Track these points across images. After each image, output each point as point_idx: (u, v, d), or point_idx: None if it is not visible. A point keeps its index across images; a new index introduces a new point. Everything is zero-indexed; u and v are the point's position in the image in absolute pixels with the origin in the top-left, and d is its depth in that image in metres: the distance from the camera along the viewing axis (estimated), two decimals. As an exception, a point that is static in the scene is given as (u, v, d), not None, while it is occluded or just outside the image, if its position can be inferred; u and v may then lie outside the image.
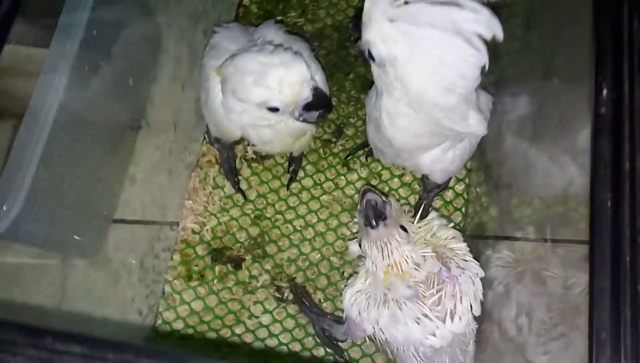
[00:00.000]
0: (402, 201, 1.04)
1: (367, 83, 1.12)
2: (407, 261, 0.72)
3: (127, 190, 1.00)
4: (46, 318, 0.82)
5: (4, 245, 0.83)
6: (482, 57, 0.57)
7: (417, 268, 0.73)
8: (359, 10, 0.65)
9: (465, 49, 0.56)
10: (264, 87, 0.74)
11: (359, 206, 0.79)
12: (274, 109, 0.77)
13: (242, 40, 0.88)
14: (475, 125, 0.69)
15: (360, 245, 0.78)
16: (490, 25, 0.54)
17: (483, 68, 0.59)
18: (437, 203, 1.03)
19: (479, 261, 0.94)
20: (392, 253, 0.72)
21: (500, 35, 0.54)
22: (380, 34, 0.61)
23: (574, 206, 0.72)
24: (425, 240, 0.78)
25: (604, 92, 0.40)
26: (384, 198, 0.78)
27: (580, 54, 0.55)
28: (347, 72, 1.14)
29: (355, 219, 0.86)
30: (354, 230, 1.01)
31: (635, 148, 0.38)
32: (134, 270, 0.94)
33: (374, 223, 0.73)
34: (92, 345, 0.37)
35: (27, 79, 0.94)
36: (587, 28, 0.51)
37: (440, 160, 0.80)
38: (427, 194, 1.01)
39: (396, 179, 1.06)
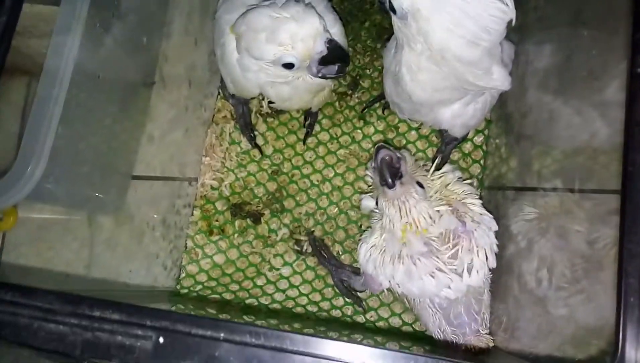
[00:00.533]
0: (420, 153, 1.04)
1: (384, 32, 1.09)
2: (424, 218, 0.72)
3: (144, 147, 1.01)
4: (75, 275, 0.85)
5: (29, 203, 0.85)
6: (510, 12, 0.55)
7: (433, 224, 0.73)
8: (378, -42, 0.62)
9: (492, 2, 0.54)
10: (277, 43, 0.72)
11: (372, 163, 0.78)
12: (289, 65, 0.75)
13: None
14: (499, 80, 0.67)
15: (376, 202, 0.78)
16: None
17: (509, 22, 0.56)
18: (455, 155, 1.02)
19: (498, 214, 0.94)
20: (409, 211, 0.72)
21: None
22: None
23: (598, 157, 0.71)
24: (440, 194, 0.78)
25: (642, 50, 0.39)
26: (398, 154, 0.77)
27: (613, 8, 0.52)
28: (362, 20, 1.11)
29: (369, 172, 0.85)
30: (370, 183, 1.01)
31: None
32: (157, 226, 0.95)
33: (391, 182, 0.73)
34: (130, 311, 0.38)
35: (36, 37, 0.92)
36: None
37: (461, 115, 0.78)
38: (445, 146, 1.00)
39: (413, 132, 1.05)
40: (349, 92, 1.07)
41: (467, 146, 1.03)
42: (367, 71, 1.08)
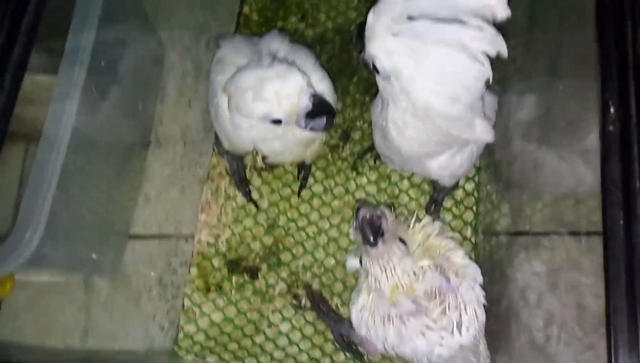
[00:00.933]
0: (413, 202, 1.05)
1: (371, 86, 1.12)
2: (409, 276, 0.73)
3: (141, 207, 1.02)
4: (72, 345, 0.84)
5: (26, 268, 0.85)
6: (486, 72, 0.58)
7: (418, 281, 0.73)
8: (362, 23, 0.65)
9: (469, 64, 0.57)
10: (263, 101, 0.75)
11: (354, 222, 0.79)
12: (277, 121, 0.78)
13: (247, 52, 0.89)
14: (483, 132, 0.70)
15: (360, 261, 0.78)
16: (494, 43, 0.55)
17: (487, 81, 0.59)
18: (448, 202, 1.04)
19: (493, 260, 0.95)
20: (394, 269, 0.72)
21: (504, 52, 0.54)
22: (384, 49, 0.62)
23: (587, 201, 0.72)
24: (422, 248, 0.78)
25: (611, 110, 0.41)
26: (379, 212, 0.77)
27: (586, 59, 0.55)
28: (350, 75, 1.15)
29: (351, 231, 0.86)
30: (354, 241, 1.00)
31: (645, 167, 0.39)
32: (154, 286, 0.95)
33: (373, 240, 0.73)
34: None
35: (35, 104, 0.95)
36: (591, 33, 0.51)
37: (448, 165, 0.80)
38: (438, 194, 1.02)
39: (405, 181, 1.07)
40: (341, 144, 1.10)
41: (459, 194, 1.04)
42: (357, 123, 1.11)
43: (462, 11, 0.55)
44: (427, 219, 0.84)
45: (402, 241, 0.76)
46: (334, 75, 1.13)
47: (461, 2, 0.53)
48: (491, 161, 1.00)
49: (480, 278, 0.77)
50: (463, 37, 0.55)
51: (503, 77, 1.01)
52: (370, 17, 0.62)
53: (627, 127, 0.40)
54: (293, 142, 0.84)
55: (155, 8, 1.07)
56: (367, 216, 0.75)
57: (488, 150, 1.02)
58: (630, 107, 0.40)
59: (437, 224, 0.83)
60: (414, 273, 0.73)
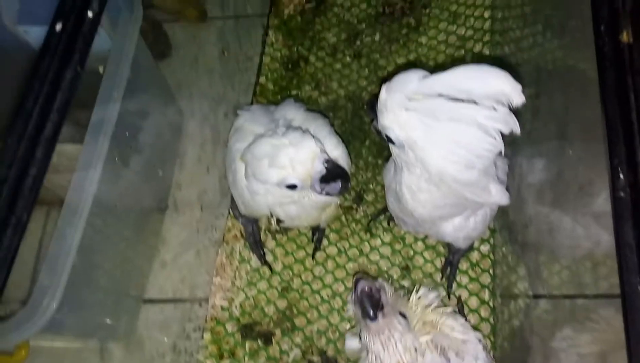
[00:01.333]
0: (428, 264, 1.05)
1: (383, 149, 1.15)
2: (410, 353, 0.71)
3: (156, 270, 1.03)
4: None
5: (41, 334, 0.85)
6: (498, 145, 0.59)
7: (420, 359, 0.71)
8: (374, 95, 0.68)
9: (481, 137, 0.59)
10: (278, 167, 0.77)
11: (352, 295, 0.78)
12: (292, 186, 0.80)
13: (264, 120, 0.92)
14: (497, 195, 0.70)
15: (360, 338, 0.77)
16: (508, 122, 0.56)
17: (499, 152, 0.61)
18: (464, 264, 1.03)
19: (512, 324, 0.92)
20: (396, 345, 0.70)
21: (517, 131, 0.56)
22: (397, 121, 0.64)
23: (606, 262, 0.72)
24: (422, 322, 0.77)
25: (621, 176, 0.42)
26: (377, 285, 0.76)
27: (593, 124, 0.56)
28: (362, 139, 1.18)
29: (349, 306, 0.84)
30: (352, 317, 0.97)
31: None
32: (167, 353, 0.94)
33: (373, 314, 0.72)
34: None
35: (58, 172, 0.98)
36: (595, 100, 0.53)
37: (463, 228, 0.80)
38: (453, 256, 1.02)
39: (420, 243, 1.07)
40: (354, 206, 1.11)
41: (475, 256, 1.04)
42: (370, 185, 1.12)
43: (477, 96, 0.57)
44: (423, 290, 0.83)
45: (403, 315, 0.75)
46: (347, 139, 1.17)
47: (476, 88, 0.55)
48: (506, 223, 1.00)
49: (482, 354, 0.75)
50: (477, 117, 0.56)
51: (513, 140, 1.04)
52: (384, 94, 0.65)
53: (637, 192, 0.41)
54: (309, 206, 0.86)
55: (176, 80, 1.13)
56: (366, 288, 0.74)
57: (502, 212, 1.02)
58: (638, 172, 0.41)
59: (434, 295, 0.82)
60: (415, 350, 0.70)
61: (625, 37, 0.46)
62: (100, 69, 0.90)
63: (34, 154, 0.48)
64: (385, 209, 1.08)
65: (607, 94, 0.45)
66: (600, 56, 0.47)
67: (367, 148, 1.17)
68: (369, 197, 1.12)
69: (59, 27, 0.53)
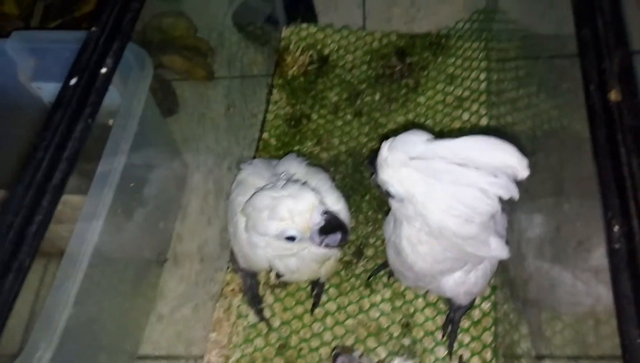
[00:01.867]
0: (429, 321, 1.03)
1: (383, 204, 1.16)
2: None
3: (152, 324, 1.01)
4: None
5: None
6: (495, 206, 0.61)
7: None
8: (374, 151, 0.70)
9: (480, 197, 0.60)
10: (278, 219, 0.78)
11: None
12: (292, 238, 0.80)
13: (266, 174, 0.94)
14: (497, 249, 0.71)
15: None
16: (508, 189, 0.58)
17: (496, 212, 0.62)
18: (465, 322, 1.01)
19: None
20: None
21: (516, 197, 0.58)
22: (397, 177, 0.65)
23: (609, 321, 0.71)
24: None
25: (615, 228, 0.42)
26: (358, 360, 0.76)
27: (587, 180, 0.57)
28: (363, 193, 1.19)
29: None
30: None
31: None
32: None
33: None
34: None
35: (60, 222, 0.99)
36: (588, 157, 0.54)
37: (463, 282, 0.80)
38: (454, 313, 1.00)
39: (420, 299, 1.05)
40: (354, 261, 1.10)
41: (476, 313, 1.02)
42: (370, 240, 1.13)
43: (481, 166, 0.59)
44: (398, 359, 0.81)
45: None
46: (347, 193, 1.18)
47: (482, 159, 0.57)
48: (507, 280, 1.00)
49: None
50: (479, 182, 0.58)
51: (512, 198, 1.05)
52: (385, 151, 0.66)
53: (632, 243, 0.41)
54: (308, 259, 0.86)
55: (182, 135, 1.16)
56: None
57: (503, 268, 1.02)
58: (632, 224, 0.42)
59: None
60: None
61: (613, 96, 0.48)
62: (110, 122, 0.94)
63: (40, 201, 0.49)
64: (385, 264, 1.07)
65: (599, 150, 0.47)
66: (591, 114, 0.49)
67: (368, 202, 1.18)
68: (369, 252, 1.11)
69: (73, 81, 0.56)
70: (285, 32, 1.46)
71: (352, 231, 1.14)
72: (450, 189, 0.61)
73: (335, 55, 1.41)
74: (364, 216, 1.16)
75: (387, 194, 0.68)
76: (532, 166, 0.92)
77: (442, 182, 0.60)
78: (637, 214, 0.42)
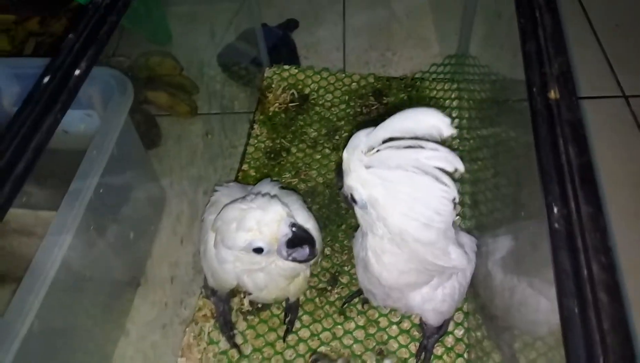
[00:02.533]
0: (403, 348, 1.01)
1: (359, 233, 1.17)
2: None
3: (120, 349, 0.99)
4: None
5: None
6: (451, 191, 0.63)
7: None
8: (340, 161, 0.73)
9: (434, 185, 0.62)
10: (245, 230, 0.79)
11: None
12: (259, 250, 0.80)
13: (240, 196, 0.95)
14: (457, 259, 0.72)
15: None
16: (449, 160, 0.60)
17: (454, 200, 0.64)
18: (438, 349, 1.00)
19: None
20: None
21: (461, 168, 0.60)
22: (360, 180, 0.67)
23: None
24: None
25: (555, 210, 0.44)
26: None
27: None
28: (339, 223, 1.21)
29: None
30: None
31: (589, 256, 0.41)
32: None
33: None
34: None
35: (34, 241, 0.99)
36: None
37: (431, 299, 0.80)
38: (427, 340, 0.99)
39: (394, 327, 1.04)
40: (329, 288, 1.10)
41: (449, 340, 1.01)
42: (345, 267, 1.13)
43: (413, 133, 0.61)
44: None
45: None
46: (324, 223, 1.19)
47: (412, 126, 0.60)
48: (478, 305, 1.00)
49: None
50: (420, 157, 0.61)
51: (479, 224, 1.07)
52: (345, 154, 0.70)
53: (570, 224, 0.43)
54: (276, 274, 0.86)
55: (162, 165, 1.18)
56: None
57: (474, 294, 1.02)
58: (570, 207, 0.44)
59: None
60: None
61: (553, 95, 0.51)
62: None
63: (2, 188, 0.50)
64: (360, 292, 1.07)
65: (540, 142, 0.49)
66: (533, 111, 0.52)
67: (344, 231, 1.19)
68: (344, 279, 1.11)
69: (46, 80, 0.59)
70: (268, 72, 1.53)
71: (327, 259, 1.14)
72: (406, 186, 0.63)
73: (316, 94, 1.47)
74: (339, 245, 1.17)
75: (353, 201, 0.70)
76: (494, 188, 0.95)
77: (392, 169, 0.62)
78: (574, 198, 0.44)
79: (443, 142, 0.62)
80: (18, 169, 0.52)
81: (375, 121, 0.66)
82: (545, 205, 0.45)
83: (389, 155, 0.63)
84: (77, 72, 0.61)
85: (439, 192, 0.62)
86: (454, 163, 0.59)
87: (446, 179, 0.62)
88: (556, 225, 0.43)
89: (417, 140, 0.61)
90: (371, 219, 0.70)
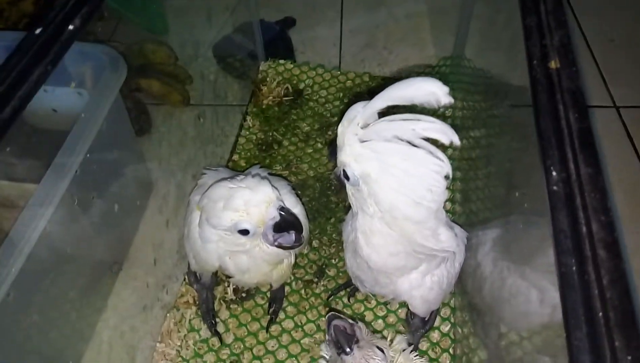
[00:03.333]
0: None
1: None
2: None
3: (98, 327, 0.95)
4: None
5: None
6: (445, 166, 0.61)
7: None
8: (334, 138, 0.71)
9: (428, 159, 0.61)
10: (232, 209, 0.76)
11: (326, 335, 0.75)
12: (245, 232, 0.78)
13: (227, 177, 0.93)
14: (447, 241, 0.71)
15: None
16: (445, 132, 0.59)
17: (447, 176, 0.62)
18: (424, 344, 0.98)
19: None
20: None
21: (456, 141, 0.59)
22: (353, 154, 0.66)
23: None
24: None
25: (554, 173, 0.43)
26: (351, 321, 0.75)
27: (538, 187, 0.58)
28: (328, 216, 1.19)
29: (323, 352, 0.81)
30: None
31: (589, 215, 0.40)
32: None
33: (348, 347, 0.69)
34: None
35: (16, 215, 0.96)
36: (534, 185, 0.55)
37: (419, 285, 0.79)
38: (413, 335, 0.97)
39: (380, 321, 1.02)
40: (315, 280, 1.08)
41: (435, 335, 1.00)
42: (333, 260, 1.11)
43: (411, 101, 0.60)
44: (399, 337, 0.79)
45: (380, 349, 0.72)
46: (313, 216, 1.18)
47: (410, 94, 0.59)
48: (465, 301, 0.98)
49: None
50: (416, 128, 0.60)
51: (470, 222, 1.06)
52: (340, 128, 0.68)
53: (568, 186, 0.42)
54: (259, 258, 0.83)
55: (148, 145, 1.16)
56: (341, 324, 0.73)
57: (462, 289, 1.00)
58: (569, 169, 0.43)
59: (405, 342, 0.79)
60: None
61: (553, 64, 0.51)
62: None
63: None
64: (347, 284, 1.05)
65: (540, 109, 0.49)
66: (533, 81, 0.52)
67: (333, 225, 1.17)
68: (331, 272, 1.09)
69: (38, 31, 0.57)
70: (263, 65, 1.52)
71: (315, 251, 1.12)
72: (399, 160, 0.61)
73: (310, 90, 1.46)
74: (327, 238, 1.15)
75: (345, 178, 0.69)
76: (487, 176, 0.94)
77: (387, 141, 0.61)
78: (573, 161, 0.44)
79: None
80: (4, 114, 0.50)
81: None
82: (544, 169, 0.44)
83: (384, 127, 0.62)
84: (70, 27, 0.59)
85: (433, 166, 0.61)
86: (449, 135, 0.58)
87: (440, 154, 0.61)
88: (554, 187, 0.42)
89: (413, 114, 0.60)
90: (362, 196, 0.69)
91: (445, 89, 0.57)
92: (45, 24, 0.59)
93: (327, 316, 0.75)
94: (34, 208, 0.81)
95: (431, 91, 0.57)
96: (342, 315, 0.75)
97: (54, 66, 0.56)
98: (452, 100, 0.56)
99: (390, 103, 0.61)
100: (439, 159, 0.61)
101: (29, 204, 0.82)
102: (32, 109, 0.83)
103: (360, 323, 0.77)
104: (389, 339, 0.81)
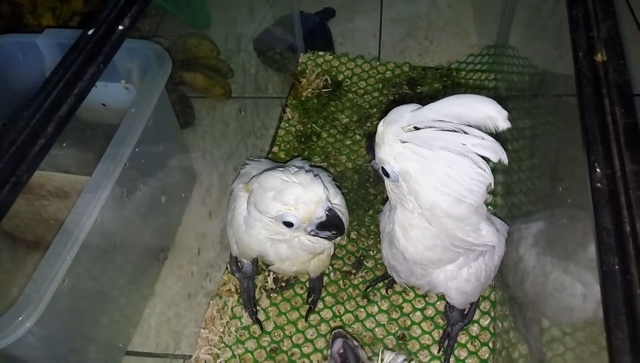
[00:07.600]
0: (426, 335, 1.00)
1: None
2: None
3: (145, 314, 1.00)
4: None
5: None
6: (488, 177, 0.61)
7: None
8: (372, 133, 0.72)
9: (472, 169, 0.60)
10: (282, 202, 0.78)
11: (329, 350, 0.78)
12: (289, 224, 0.80)
13: (270, 168, 0.95)
14: (488, 236, 0.70)
15: None
16: (496, 151, 0.59)
17: (489, 186, 0.62)
18: (463, 337, 0.98)
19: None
20: None
21: (505, 159, 0.58)
22: (393, 153, 0.66)
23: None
24: None
25: (597, 170, 0.43)
26: (356, 342, 0.78)
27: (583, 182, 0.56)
28: (366, 209, 1.19)
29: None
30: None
31: (633, 213, 0.39)
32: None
33: None
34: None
35: (69, 206, 1.01)
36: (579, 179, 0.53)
37: (455, 277, 0.78)
38: (452, 328, 0.97)
39: (418, 313, 1.02)
40: (353, 271, 1.09)
41: (474, 329, 0.99)
42: (371, 252, 1.12)
43: (463, 119, 0.60)
44: (391, 354, 0.83)
45: None
46: (352, 207, 1.19)
47: (465, 113, 0.58)
48: (506, 295, 0.97)
49: None
50: (467, 143, 0.59)
51: (513, 213, 1.05)
52: (381, 127, 0.68)
53: (613, 183, 0.41)
54: (298, 247, 0.86)
55: (192, 137, 1.20)
56: (341, 349, 0.77)
57: (503, 283, 0.99)
58: (614, 166, 0.42)
59: (401, 357, 0.79)
60: None
61: (600, 57, 0.49)
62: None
63: (46, 127, 0.52)
64: (384, 276, 1.06)
65: (585, 103, 0.48)
66: (579, 74, 0.50)
67: (371, 216, 1.18)
68: (369, 263, 1.10)
69: (90, 32, 0.60)
70: (302, 58, 1.53)
71: (353, 242, 1.13)
72: (442, 163, 0.61)
73: (349, 81, 1.46)
74: (366, 229, 1.16)
75: (384, 174, 0.69)
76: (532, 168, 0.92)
77: (433, 150, 0.61)
78: (618, 157, 0.43)
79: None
80: (62, 111, 0.53)
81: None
82: (588, 165, 0.43)
83: (433, 135, 0.61)
84: (120, 27, 0.62)
85: (475, 176, 0.60)
86: (499, 153, 0.58)
87: (484, 165, 0.61)
88: (598, 184, 0.41)
89: (462, 124, 0.59)
90: (402, 193, 0.69)
91: (505, 113, 0.56)
92: (97, 24, 0.62)
93: (333, 333, 0.77)
94: (87, 198, 0.85)
95: (489, 114, 0.56)
96: (347, 334, 0.77)
97: (105, 64, 0.59)
98: (509, 125, 0.55)
99: (440, 118, 0.60)
100: (482, 170, 0.60)
101: (82, 195, 0.86)
102: (84, 104, 0.87)
103: (361, 352, 0.78)
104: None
